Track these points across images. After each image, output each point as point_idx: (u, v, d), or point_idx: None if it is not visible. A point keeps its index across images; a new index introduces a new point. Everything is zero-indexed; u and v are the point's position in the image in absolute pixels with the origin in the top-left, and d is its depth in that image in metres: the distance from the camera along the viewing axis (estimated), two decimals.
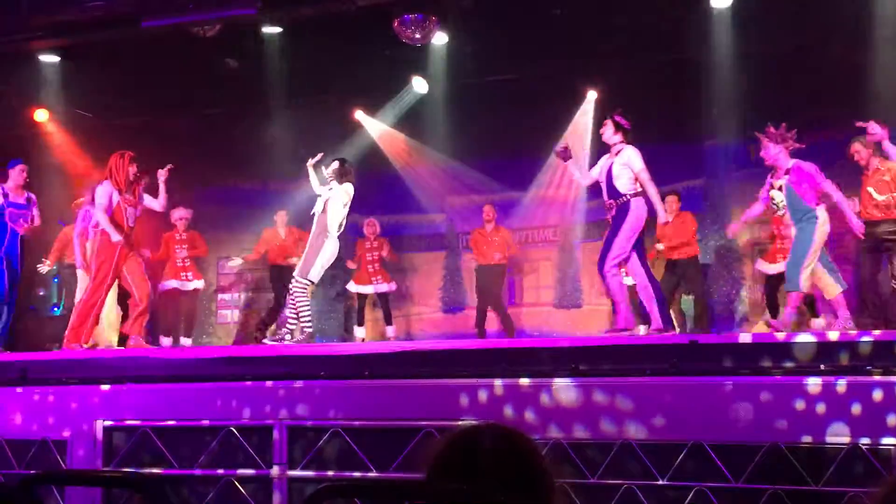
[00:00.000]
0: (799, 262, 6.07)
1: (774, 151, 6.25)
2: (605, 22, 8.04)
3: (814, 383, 4.41)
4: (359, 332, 9.51)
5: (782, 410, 4.41)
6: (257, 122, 9.61)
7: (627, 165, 6.15)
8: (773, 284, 8.02)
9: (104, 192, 6.95)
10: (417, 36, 8.10)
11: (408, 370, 5.25)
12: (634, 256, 6.13)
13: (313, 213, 7.07)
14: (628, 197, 6.12)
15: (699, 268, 8.71)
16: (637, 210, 6.08)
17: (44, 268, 8.94)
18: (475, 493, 1.48)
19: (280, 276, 9.25)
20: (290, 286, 7.12)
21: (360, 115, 10.25)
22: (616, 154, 6.22)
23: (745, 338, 5.73)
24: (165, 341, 9.22)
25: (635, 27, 8.01)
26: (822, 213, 6.11)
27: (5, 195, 7.49)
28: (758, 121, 8.84)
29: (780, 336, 5.34)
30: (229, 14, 7.75)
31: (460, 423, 1.71)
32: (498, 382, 4.95)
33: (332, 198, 6.97)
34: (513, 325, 9.21)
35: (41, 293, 10.65)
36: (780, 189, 6.27)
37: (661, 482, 4.56)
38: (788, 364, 4.66)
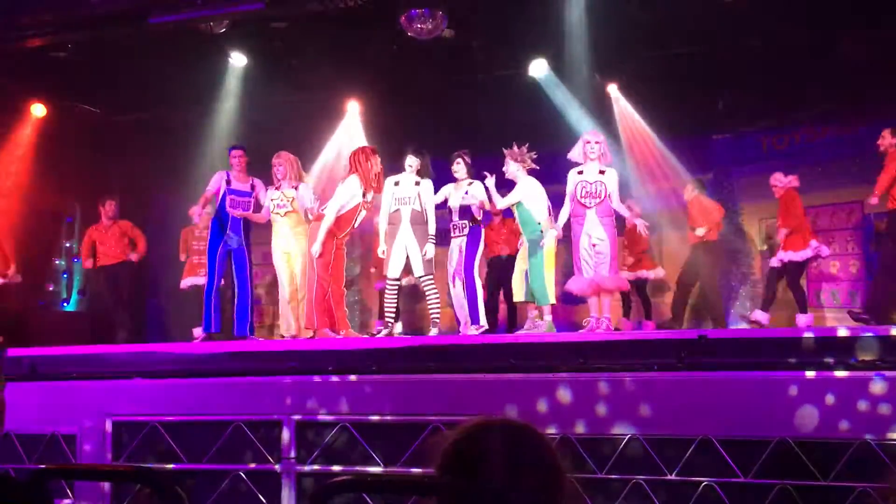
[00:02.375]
0: (541, 276, 6.83)
1: (513, 168, 6.99)
2: (613, 16, 8.00)
3: (828, 379, 4.40)
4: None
5: (791, 406, 4.40)
6: (265, 117, 9.59)
7: (475, 197, 7.07)
8: (774, 276, 7.99)
9: (351, 187, 6.78)
10: (425, 30, 8.07)
11: (416, 365, 5.25)
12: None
13: (397, 210, 6.95)
14: (478, 222, 7.14)
15: (715, 254, 8.69)
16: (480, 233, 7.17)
17: (88, 263, 9.00)
18: (485, 489, 1.46)
19: None
20: (425, 284, 7.02)
21: (352, 105, 10.15)
22: (469, 185, 7.13)
23: (753, 333, 5.72)
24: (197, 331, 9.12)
25: (643, 21, 7.97)
26: (546, 227, 6.88)
27: (228, 182, 7.47)
28: (766, 115, 8.89)
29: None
30: (237, 10, 7.74)
31: (470, 417, 1.67)
32: (505, 377, 4.95)
33: (424, 192, 6.97)
34: (515, 319, 9.12)
35: (51, 288, 10.69)
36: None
37: (669, 477, 4.55)
38: (799, 360, 4.65)
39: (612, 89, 9.28)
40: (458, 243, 7.11)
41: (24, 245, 9.03)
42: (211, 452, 5.31)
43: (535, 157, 7.05)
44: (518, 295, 7.26)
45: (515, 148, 7.04)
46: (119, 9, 7.73)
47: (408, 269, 7.18)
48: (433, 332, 6.93)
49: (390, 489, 1.59)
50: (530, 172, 7.05)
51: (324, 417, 5.18)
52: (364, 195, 6.77)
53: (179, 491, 1.75)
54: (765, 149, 9.27)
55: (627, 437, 4.63)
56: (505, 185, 7.39)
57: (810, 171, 8.35)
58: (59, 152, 9.74)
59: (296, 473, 5.17)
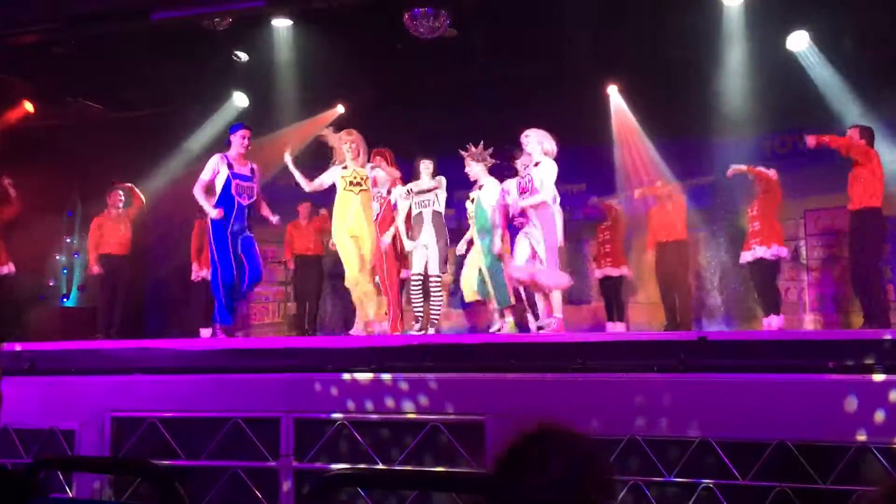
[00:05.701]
0: (501, 277, 6.90)
1: (476, 169, 7.04)
2: (616, 18, 8.01)
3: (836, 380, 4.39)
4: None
5: (797, 408, 4.40)
6: (268, 114, 9.60)
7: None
8: (755, 274, 8.00)
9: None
10: (428, 30, 8.08)
11: (416, 363, 5.24)
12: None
13: (419, 213, 6.97)
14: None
15: (685, 253, 8.73)
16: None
17: (94, 268, 8.92)
18: (536, 493, 1.50)
19: (303, 266, 9.21)
20: (433, 282, 7.02)
21: (340, 108, 10.18)
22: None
23: (754, 335, 5.72)
24: (205, 333, 9.08)
25: (646, 24, 7.98)
26: (498, 230, 6.97)
27: (230, 165, 6.84)
28: (767, 119, 8.88)
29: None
30: (238, 7, 7.75)
31: (530, 420, 1.73)
32: (504, 377, 4.94)
33: (441, 192, 7.03)
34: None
35: (51, 283, 10.69)
36: (472, 201, 7.11)
37: (668, 478, 4.54)
38: (800, 362, 4.64)
39: (612, 90, 9.30)
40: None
41: (23, 240, 9.03)
42: (209, 449, 5.30)
43: (489, 153, 7.10)
44: (470, 294, 7.33)
45: (473, 148, 7.06)
46: (121, 5, 7.74)
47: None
48: (430, 331, 6.94)
49: (390, 484, 1.60)
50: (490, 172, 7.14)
51: (322, 415, 5.17)
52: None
53: (178, 485, 1.75)
54: (767, 152, 9.27)
55: (626, 438, 4.62)
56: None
57: (812, 174, 8.35)
58: (60, 148, 9.75)
59: (293, 471, 5.17)
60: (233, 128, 7.00)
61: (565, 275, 6.78)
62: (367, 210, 6.96)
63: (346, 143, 6.95)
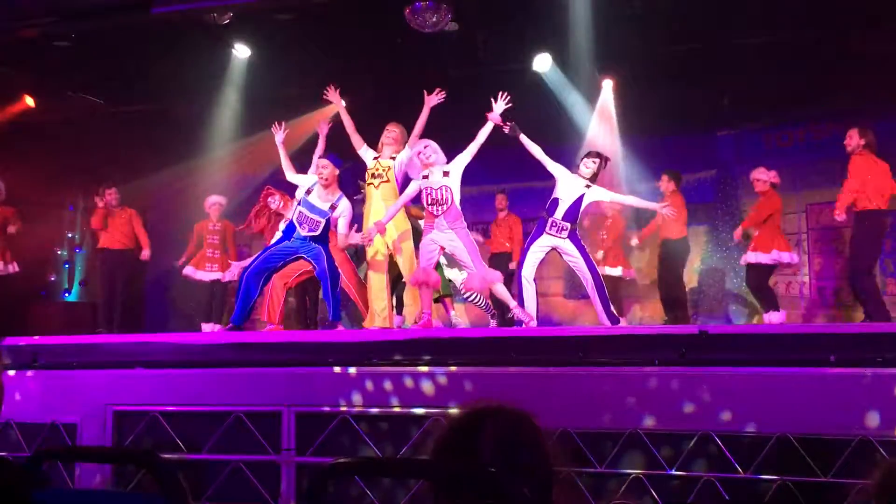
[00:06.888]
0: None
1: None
2: (618, 11, 7.98)
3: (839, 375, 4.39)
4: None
5: (799, 401, 4.40)
6: (269, 109, 9.58)
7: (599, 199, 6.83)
8: (748, 274, 8.00)
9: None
10: (429, 24, 8.06)
11: (417, 357, 5.25)
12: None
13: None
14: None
15: (685, 249, 8.72)
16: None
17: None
18: (477, 473, 1.46)
19: None
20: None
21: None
22: (588, 187, 6.68)
23: (754, 329, 5.72)
24: (206, 327, 9.04)
25: (647, 16, 7.95)
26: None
27: (308, 191, 6.46)
28: (770, 112, 8.88)
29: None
30: (239, 1, 7.73)
31: (469, 404, 1.69)
32: (504, 370, 4.95)
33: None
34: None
35: (52, 278, 10.71)
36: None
37: (669, 472, 4.55)
38: (801, 355, 4.64)
39: (606, 85, 9.25)
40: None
41: (25, 235, 9.04)
42: (211, 443, 5.31)
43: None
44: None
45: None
46: None
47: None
48: (492, 323, 7.02)
49: (386, 472, 1.60)
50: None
51: (323, 409, 5.18)
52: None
53: (180, 477, 1.74)
54: (768, 146, 9.26)
55: (627, 432, 4.62)
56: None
57: (813, 168, 8.34)
58: (62, 142, 9.75)
59: (295, 465, 5.18)
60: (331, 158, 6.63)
61: (495, 271, 6.67)
62: (388, 204, 6.46)
63: (385, 133, 6.61)
